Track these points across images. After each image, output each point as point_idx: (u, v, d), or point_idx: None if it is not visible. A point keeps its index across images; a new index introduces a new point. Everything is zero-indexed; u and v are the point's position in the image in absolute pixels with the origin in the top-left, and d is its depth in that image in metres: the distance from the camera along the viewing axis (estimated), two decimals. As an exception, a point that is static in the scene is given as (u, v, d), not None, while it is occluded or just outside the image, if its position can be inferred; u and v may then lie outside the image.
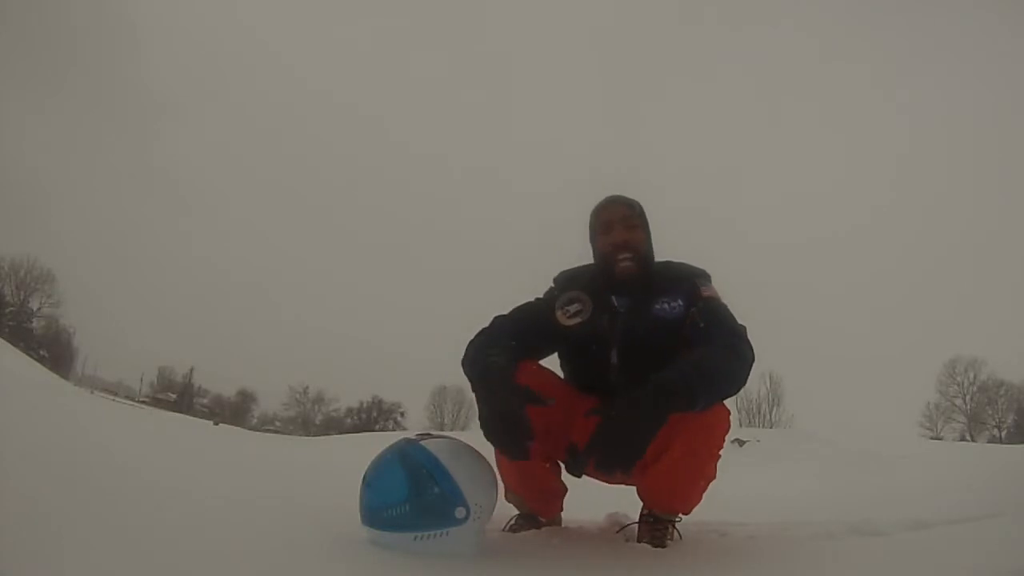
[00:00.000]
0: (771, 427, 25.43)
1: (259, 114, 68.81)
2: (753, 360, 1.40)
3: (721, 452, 1.44)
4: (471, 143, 68.93)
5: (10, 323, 31.82)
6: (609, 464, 1.21)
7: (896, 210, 51.57)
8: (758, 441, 10.21)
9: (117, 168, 57.69)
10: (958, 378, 32.32)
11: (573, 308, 1.55)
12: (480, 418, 1.32)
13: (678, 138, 66.29)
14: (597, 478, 1.64)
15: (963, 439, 28.53)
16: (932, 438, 25.91)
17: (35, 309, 33.87)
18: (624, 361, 1.51)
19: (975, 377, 32.01)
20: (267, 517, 1.47)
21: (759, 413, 32.16)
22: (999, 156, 49.99)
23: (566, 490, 1.66)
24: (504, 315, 1.57)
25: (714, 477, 1.46)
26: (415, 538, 1.19)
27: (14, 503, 1.17)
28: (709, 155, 65.60)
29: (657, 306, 1.53)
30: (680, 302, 1.53)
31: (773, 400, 32.50)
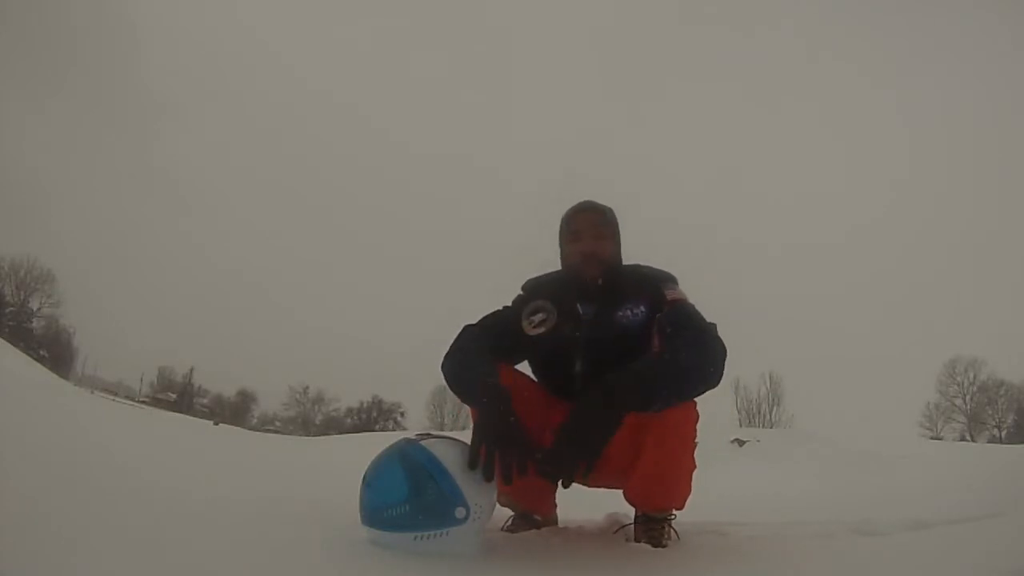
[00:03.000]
0: (771, 427, 25.44)
1: (259, 114, 68.95)
2: (724, 354, 1.36)
3: (696, 441, 1.43)
4: (471, 143, 68.95)
5: (10, 323, 31.83)
6: (567, 467, 1.20)
7: (896, 210, 51.67)
8: (758, 441, 10.17)
9: (117, 168, 57.91)
10: (958, 378, 32.39)
11: (537, 318, 1.54)
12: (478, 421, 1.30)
13: (678, 138, 66.32)
14: (580, 483, 1.64)
15: (963, 439, 28.53)
16: (932, 438, 25.87)
17: (35, 309, 33.95)
18: (590, 370, 1.50)
19: (975, 377, 32.08)
20: (267, 517, 1.46)
21: (759, 413, 32.24)
22: (999, 156, 50.06)
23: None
24: (473, 324, 1.57)
25: (695, 466, 1.45)
26: (415, 538, 1.19)
27: (14, 503, 1.17)
28: (709, 155, 65.74)
29: (620, 313, 1.52)
30: (643, 308, 1.51)
31: (773, 400, 32.59)
